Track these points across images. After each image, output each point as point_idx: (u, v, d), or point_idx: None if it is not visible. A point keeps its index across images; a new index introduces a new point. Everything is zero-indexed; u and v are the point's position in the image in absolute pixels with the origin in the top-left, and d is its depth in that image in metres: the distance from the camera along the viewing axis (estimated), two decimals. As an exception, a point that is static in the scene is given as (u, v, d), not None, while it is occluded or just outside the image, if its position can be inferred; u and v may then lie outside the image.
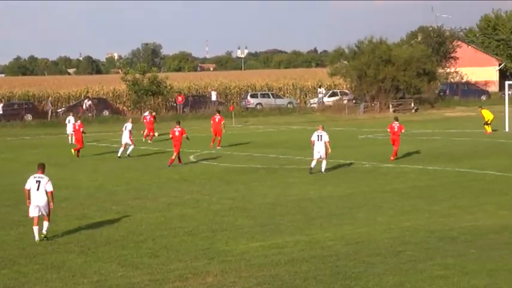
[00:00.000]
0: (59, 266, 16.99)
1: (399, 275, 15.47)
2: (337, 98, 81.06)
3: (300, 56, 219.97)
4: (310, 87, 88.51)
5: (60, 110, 73.06)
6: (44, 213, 19.57)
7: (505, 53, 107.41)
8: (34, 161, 38.86)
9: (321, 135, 32.18)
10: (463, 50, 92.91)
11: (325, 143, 31.97)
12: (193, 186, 29.07)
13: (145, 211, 23.86)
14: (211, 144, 44.33)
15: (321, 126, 33.17)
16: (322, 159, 32.05)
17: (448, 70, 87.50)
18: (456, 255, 17.03)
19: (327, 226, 20.83)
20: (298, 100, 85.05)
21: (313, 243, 18.73)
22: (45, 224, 19.55)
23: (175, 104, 77.37)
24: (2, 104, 72.19)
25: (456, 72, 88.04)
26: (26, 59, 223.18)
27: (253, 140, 49.35)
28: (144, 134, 50.12)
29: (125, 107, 78.16)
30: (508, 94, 59.29)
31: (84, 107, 72.72)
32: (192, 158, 38.84)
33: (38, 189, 19.48)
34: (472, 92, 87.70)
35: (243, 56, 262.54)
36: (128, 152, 40.16)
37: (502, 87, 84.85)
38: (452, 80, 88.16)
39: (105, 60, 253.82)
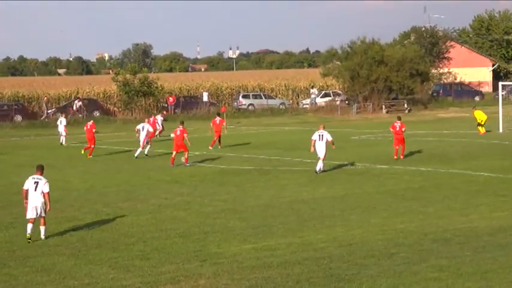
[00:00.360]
0: (49, 269, 16.87)
1: (393, 277, 15.37)
2: (329, 98, 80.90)
3: (292, 57, 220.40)
4: (302, 87, 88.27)
5: (50, 110, 72.68)
6: (41, 214, 19.79)
7: (499, 54, 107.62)
8: (24, 162, 39.03)
9: (322, 135, 32.15)
10: (456, 51, 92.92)
11: (327, 141, 32.00)
12: (184, 188, 28.92)
13: (136, 213, 23.72)
14: (219, 145, 44.76)
15: (323, 126, 33.28)
16: (319, 158, 31.96)
17: (441, 71, 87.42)
18: (450, 257, 16.94)
19: (320, 228, 20.71)
20: (291, 101, 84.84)
21: (306, 245, 18.62)
22: (42, 229, 19.88)
23: (166, 105, 77.06)
24: (-9, 105, 71.82)
25: (449, 72, 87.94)
26: (16, 59, 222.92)
27: (245, 141, 49.19)
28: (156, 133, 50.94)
29: (115, 108, 77.77)
30: (502, 95, 59.27)
31: (74, 107, 72.32)
32: (183, 159, 38.66)
33: (35, 189, 19.86)
34: (465, 92, 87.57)
35: (234, 56, 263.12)
36: (145, 151, 40.71)
37: (495, 87, 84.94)
38: (445, 80, 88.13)
39: (95, 61, 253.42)
